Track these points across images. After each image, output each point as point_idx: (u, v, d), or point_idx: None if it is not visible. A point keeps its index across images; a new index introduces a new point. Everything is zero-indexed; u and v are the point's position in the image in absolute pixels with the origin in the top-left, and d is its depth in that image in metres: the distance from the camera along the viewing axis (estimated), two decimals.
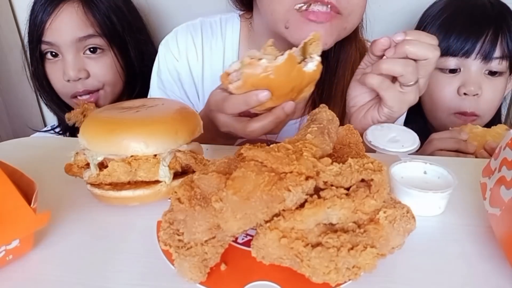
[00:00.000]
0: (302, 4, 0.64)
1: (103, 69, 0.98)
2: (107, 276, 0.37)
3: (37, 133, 1.11)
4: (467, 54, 0.88)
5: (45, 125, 1.36)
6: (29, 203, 0.37)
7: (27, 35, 0.97)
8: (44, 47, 0.95)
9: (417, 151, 0.55)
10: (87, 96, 0.98)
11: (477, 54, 0.87)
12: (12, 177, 0.38)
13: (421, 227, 0.38)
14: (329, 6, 0.63)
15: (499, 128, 0.79)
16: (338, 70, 0.78)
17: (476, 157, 0.76)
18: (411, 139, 0.56)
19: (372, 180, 0.34)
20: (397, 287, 0.36)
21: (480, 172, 0.44)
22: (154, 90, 0.87)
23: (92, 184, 0.46)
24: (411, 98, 0.60)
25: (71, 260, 0.39)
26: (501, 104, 1.00)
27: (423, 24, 0.96)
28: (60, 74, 0.96)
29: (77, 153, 0.47)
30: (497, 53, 0.88)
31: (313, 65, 0.51)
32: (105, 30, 0.97)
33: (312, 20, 0.64)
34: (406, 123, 0.85)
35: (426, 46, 0.58)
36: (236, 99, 0.53)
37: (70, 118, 0.93)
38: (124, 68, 1.02)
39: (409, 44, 0.57)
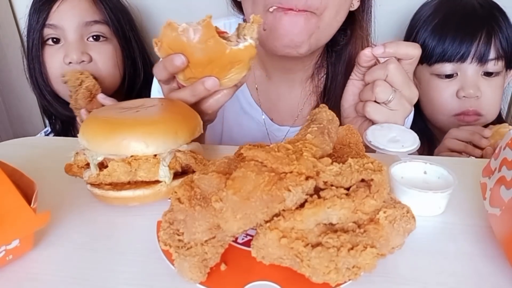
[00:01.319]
0: (275, 7, 0.63)
1: (105, 56, 0.98)
2: (107, 276, 0.37)
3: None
4: (462, 59, 0.88)
5: (45, 125, 1.36)
6: (29, 203, 0.37)
7: (26, 22, 0.96)
8: (46, 31, 0.94)
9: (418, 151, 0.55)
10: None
11: (472, 58, 0.88)
12: (12, 177, 0.38)
13: (421, 227, 0.38)
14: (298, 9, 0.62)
15: None
16: (345, 78, 0.77)
17: (482, 155, 0.76)
18: (411, 139, 0.55)
19: (372, 180, 0.34)
20: (397, 287, 0.36)
21: (480, 172, 0.44)
22: (154, 94, 0.87)
23: (92, 184, 0.46)
24: (400, 111, 0.60)
25: (71, 260, 0.39)
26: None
27: (415, 28, 0.96)
28: (59, 58, 0.95)
29: (77, 153, 0.47)
30: (492, 54, 0.88)
31: (242, 45, 0.50)
32: (112, 19, 0.98)
33: (287, 13, 0.62)
34: None
35: (378, 68, 0.59)
36: (159, 63, 0.54)
37: (65, 74, 0.93)
38: (124, 62, 1.02)
39: (366, 74, 0.61)
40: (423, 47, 0.91)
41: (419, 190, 0.43)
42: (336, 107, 0.76)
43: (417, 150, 0.53)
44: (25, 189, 0.40)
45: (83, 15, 0.94)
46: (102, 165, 0.45)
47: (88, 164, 0.46)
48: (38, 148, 0.61)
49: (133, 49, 1.04)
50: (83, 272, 0.38)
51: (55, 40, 0.95)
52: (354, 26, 0.75)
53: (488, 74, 0.90)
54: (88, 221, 0.45)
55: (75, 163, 0.48)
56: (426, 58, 0.92)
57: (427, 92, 0.95)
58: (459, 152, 0.81)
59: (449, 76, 0.91)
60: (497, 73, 0.91)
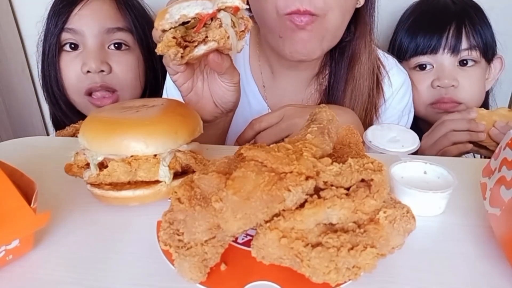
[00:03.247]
0: (285, 15, 0.65)
1: (126, 66, 0.91)
2: (107, 276, 0.37)
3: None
4: (435, 50, 0.91)
5: (45, 125, 1.36)
6: (29, 203, 0.37)
7: (45, 24, 0.90)
8: (65, 36, 0.88)
9: (416, 152, 0.55)
10: (105, 101, 0.91)
11: (444, 49, 0.90)
12: (12, 177, 0.38)
13: (421, 227, 0.38)
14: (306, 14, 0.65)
15: (502, 110, 0.80)
16: (348, 78, 0.78)
17: (488, 135, 0.78)
18: (411, 139, 0.56)
19: (372, 180, 0.34)
20: (397, 287, 0.36)
21: (480, 172, 0.44)
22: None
23: (92, 184, 0.46)
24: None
25: (71, 260, 0.39)
26: (488, 95, 1.02)
27: (396, 31, 1.00)
28: (77, 67, 0.88)
29: (77, 153, 0.47)
30: (464, 44, 0.91)
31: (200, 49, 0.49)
32: (136, 27, 0.92)
33: (299, 26, 0.65)
34: None
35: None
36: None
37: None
38: (146, 73, 0.96)
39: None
40: (399, 45, 0.96)
41: (419, 190, 0.43)
42: (338, 104, 0.77)
43: None
44: (25, 189, 0.39)
45: (105, 20, 0.88)
46: (102, 165, 0.45)
47: (88, 164, 0.46)
48: (38, 148, 0.61)
49: (156, 61, 0.96)
50: (83, 272, 0.38)
51: (73, 46, 0.89)
52: (358, 22, 0.76)
53: (463, 63, 0.92)
54: (88, 221, 0.45)
55: (75, 163, 0.48)
56: (403, 54, 0.96)
57: None
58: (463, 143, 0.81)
59: (424, 68, 0.94)
60: (474, 63, 0.92)
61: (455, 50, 0.90)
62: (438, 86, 0.92)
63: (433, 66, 0.93)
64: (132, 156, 0.44)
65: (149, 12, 1.00)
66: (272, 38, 0.72)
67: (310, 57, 0.70)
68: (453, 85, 0.91)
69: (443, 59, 0.91)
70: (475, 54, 0.92)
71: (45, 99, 0.98)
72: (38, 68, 0.97)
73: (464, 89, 0.92)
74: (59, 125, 1.00)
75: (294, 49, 0.69)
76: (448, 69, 0.91)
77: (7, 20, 1.21)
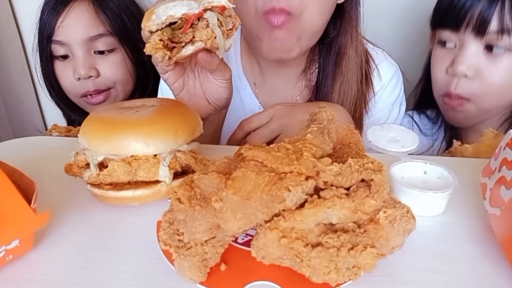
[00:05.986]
0: (262, 13, 0.66)
1: (113, 67, 0.97)
2: (107, 276, 0.37)
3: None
4: (456, 25, 0.74)
5: (45, 125, 1.36)
6: (29, 203, 0.37)
7: (37, 35, 0.96)
8: (54, 47, 0.94)
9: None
10: (99, 98, 0.97)
11: (467, 26, 0.72)
12: (12, 177, 0.38)
13: (421, 227, 0.38)
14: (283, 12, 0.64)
15: (486, 138, 0.67)
16: (336, 73, 0.78)
17: None
18: (411, 139, 0.55)
19: (372, 180, 0.34)
20: (397, 287, 0.36)
21: (480, 172, 0.44)
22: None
23: (92, 184, 0.46)
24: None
25: (71, 260, 0.39)
26: None
27: None
28: (70, 74, 0.95)
29: (77, 153, 0.47)
30: (494, 25, 0.70)
31: (187, 49, 0.49)
32: (116, 28, 0.96)
33: (274, 25, 0.65)
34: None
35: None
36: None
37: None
38: (135, 66, 1.01)
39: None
40: (435, 9, 0.80)
41: (419, 190, 0.43)
42: (327, 101, 0.77)
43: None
44: (25, 189, 0.40)
45: (87, 29, 0.93)
46: (102, 165, 0.45)
47: (88, 164, 0.46)
48: (38, 148, 0.61)
49: (142, 52, 1.01)
50: (83, 272, 0.38)
51: (63, 54, 0.95)
52: (343, 17, 0.76)
53: (490, 48, 0.72)
54: (88, 221, 0.45)
55: (75, 163, 0.48)
56: (432, 22, 0.81)
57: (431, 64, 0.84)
58: None
59: (445, 44, 0.79)
60: (505, 50, 0.71)
61: (480, 30, 0.70)
62: (452, 73, 0.76)
63: (455, 45, 0.76)
64: (132, 156, 0.44)
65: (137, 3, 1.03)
66: (251, 39, 0.73)
67: (289, 55, 0.70)
68: (465, 75, 0.74)
69: (466, 39, 0.73)
70: (507, 40, 0.70)
71: (49, 95, 1.04)
72: (26, 72, 1.04)
73: (485, 82, 0.74)
74: (70, 121, 1.09)
75: (272, 47, 0.69)
76: (469, 54, 0.73)
77: (7, 20, 1.21)
